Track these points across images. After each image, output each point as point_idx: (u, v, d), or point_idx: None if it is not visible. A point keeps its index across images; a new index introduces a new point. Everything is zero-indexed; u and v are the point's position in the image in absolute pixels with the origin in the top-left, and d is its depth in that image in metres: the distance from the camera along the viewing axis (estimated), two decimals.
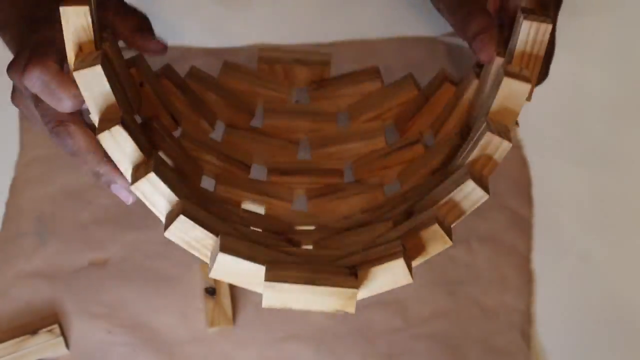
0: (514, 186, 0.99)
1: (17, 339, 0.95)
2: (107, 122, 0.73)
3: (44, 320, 0.96)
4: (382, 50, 1.01)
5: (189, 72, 0.90)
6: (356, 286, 0.72)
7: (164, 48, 0.84)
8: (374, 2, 1.01)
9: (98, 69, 0.72)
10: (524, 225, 0.99)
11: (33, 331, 0.95)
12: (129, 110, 0.77)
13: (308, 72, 0.92)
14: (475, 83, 0.85)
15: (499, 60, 0.80)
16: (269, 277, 0.71)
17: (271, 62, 0.93)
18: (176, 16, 1.01)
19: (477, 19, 0.79)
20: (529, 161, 0.99)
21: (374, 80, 0.92)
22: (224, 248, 0.72)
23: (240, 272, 0.73)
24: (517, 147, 0.99)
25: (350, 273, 0.72)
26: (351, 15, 1.01)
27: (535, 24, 0.75)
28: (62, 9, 0.71)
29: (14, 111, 0.99)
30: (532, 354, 0.97)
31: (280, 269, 0.72)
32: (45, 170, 0.98)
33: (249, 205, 0.87)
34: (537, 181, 0.99)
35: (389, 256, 0.72)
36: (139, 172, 0.73)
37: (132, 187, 0.73)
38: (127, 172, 0.74)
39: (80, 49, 0.73)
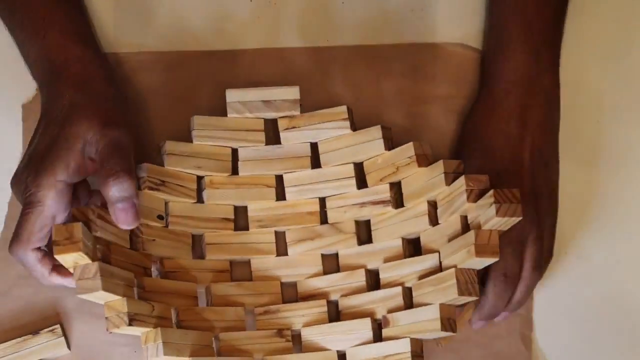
0: None
1: (18, 339, 0.95)
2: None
3: (45, 320, 0.96)
4: (386, 55, 1.02)
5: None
6: None
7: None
8: (378, 7, 1.02)
9: (98, 283, 0.85)
10: None
11: (34, 331, 0.95)
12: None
13: None
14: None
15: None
16: None
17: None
18: (176, 17, 1.02)
19: None
20: None
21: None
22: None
23: None
24: None
25: None
26: (355, 20, 1.02)
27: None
28: (58, 257, 0.85)
29: (16, 112, 1.00)
30: (533, 357, 0.97)
31: None
32: None
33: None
34: None
35: None
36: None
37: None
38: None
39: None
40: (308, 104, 0.97)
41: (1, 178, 0.97)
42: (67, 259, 0.85)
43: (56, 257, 0.84)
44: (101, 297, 0.86)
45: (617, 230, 0.99)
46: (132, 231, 0.92)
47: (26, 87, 1.00)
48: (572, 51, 1.00)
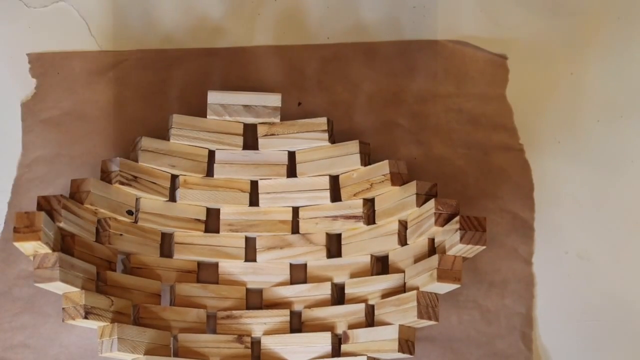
0: (516, 190, 0.99)
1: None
2: None
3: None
4: (385, 52, 1.01)
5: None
6: None
7: None
8: (378, 5, 1.02)
9: (56, 274, 0.86)
10: (525, 229, 0.99)
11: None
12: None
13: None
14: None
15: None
16: None
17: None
18: (177, 16, 1.02)
19: None
20: (530, 164, 1.00)
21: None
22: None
23: None
24: (520, 151, 0.99)
25: None
26: (355, 18, 1.01)
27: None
28: (17, 245, 0.85)
29: (15, 112, 1.00)
30: (534, 357, 0.97)
31: None
32: (47, 170, 0.99)
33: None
34: (538, 183, 0.99)
35: None
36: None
37: None
38: None
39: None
40: (307, 101, 0.99)
41: (1, 179, 0.97)
42: (26, 246, 0.85)
43: (15, 244, 0.84)
44: (59, 287, 0.87)
45: (617, 230, 0.99)
46: (99, 224, 0.93)
47: (25, 85, 1.00)
48: (572, 51, 1.00)
